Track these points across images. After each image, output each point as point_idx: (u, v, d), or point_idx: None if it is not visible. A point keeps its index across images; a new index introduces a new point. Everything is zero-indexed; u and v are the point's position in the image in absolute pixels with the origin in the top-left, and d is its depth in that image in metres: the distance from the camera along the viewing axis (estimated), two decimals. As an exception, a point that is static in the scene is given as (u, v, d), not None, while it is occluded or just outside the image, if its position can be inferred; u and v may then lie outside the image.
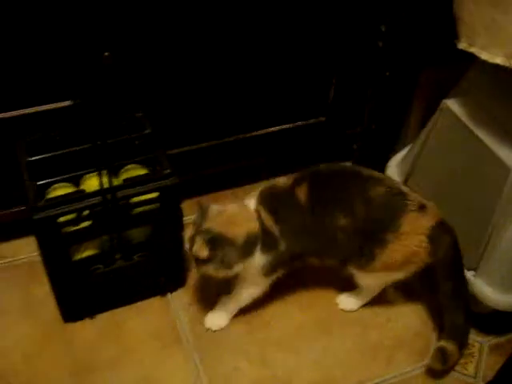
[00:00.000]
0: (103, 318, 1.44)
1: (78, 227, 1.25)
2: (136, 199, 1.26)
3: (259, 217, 1.24)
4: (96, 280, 1.35)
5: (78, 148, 1.31)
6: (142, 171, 1.36)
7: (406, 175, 1.56)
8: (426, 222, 1.25)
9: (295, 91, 1.54)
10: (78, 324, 1.41)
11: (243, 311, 1.44)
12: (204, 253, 1.19)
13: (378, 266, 1.28)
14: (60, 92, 1.32)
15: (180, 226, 1.35)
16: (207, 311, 1.44)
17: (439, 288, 1.33)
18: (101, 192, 1.22)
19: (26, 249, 1.54)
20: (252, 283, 1.34)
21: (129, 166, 1.38)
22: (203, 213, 1.24)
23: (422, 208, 1.25)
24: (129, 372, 1.35)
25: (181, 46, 1.34)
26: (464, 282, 1.32)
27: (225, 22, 1.34)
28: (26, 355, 1.36)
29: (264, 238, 1.24)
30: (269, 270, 1.29)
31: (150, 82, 1.37)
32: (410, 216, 1.24)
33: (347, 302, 1.46)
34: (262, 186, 1.31)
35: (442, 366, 1.32)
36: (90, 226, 1.26)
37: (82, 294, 1.37)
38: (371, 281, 1.37)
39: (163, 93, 1.40)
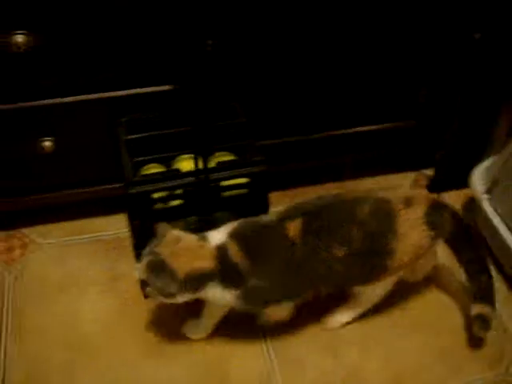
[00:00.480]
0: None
1: (169, 205, 1.31)
2: (226, 183, 1.30)
3: (223, 253, 1.20)
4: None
5: (174, 130, 1.36)
6: (230, 158, 1.40)
7: (490, 185, 1.54)
8: (418, 213, 1.25)
9: (387, 93, 1.55)
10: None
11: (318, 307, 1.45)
12: (141, 275, 1.19)
13: (389, 273, 1.28)
14: (161, 76, 1.38)
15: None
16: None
17: (459, 260, 1.34)
18: (195, 172, 1.26)
19: (116, 225, 1.61)
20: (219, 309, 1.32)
21: (218, 153, 1.42)
22: (162, 235, 1.21)
23: (408, 201, 1.25)
24: (200, 354, 1.39)
25: (282, 42, 1.38)
26: (477, 244, 1.34)
27: (328, 21, 1.38)
28: (105, 325, 1.43)
29: (225, 275, 1.20)
30: (243, 305, 1.25)
31: (249, 73, 1.41)
32: (401, 215, 1.24)
33: (335, 320, 1.43)
34: (237, 221, 1.26)
35: (485, 331, 1.33)
36: (181, 205, 1.31)
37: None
38: (380, 289, 1.36)
39: (260, 85, 1.44)
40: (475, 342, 1.38)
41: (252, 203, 1.35)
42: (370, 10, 1.38)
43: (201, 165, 1.27)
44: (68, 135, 1.42)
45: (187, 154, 1.38)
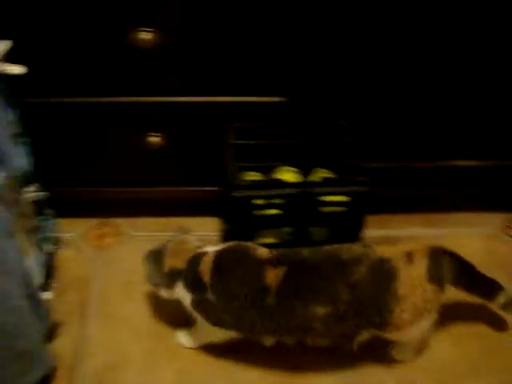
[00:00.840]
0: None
1: (267, 213, 1.33)
2: (326, 198, 1.31)
3: (196, 260, 1.24)
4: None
5: (280, 141, 1.38)
6: (329, 175, 1.42)
7: None
8: (419, 270, 1.21)
9: (493, 129, 1.53)
10: None
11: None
12: (143, 259, 1.30)
13: (390, 330, 1.24)
14: (274, 88, 1.40)
15: (358, 235, 1.39)
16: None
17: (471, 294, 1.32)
18: (298, 184, 1.28)
19: (205, 227, 1.64)
20: (201, 327, 1.33)
21: (318, 169, 1.44)
22: (182, 234, 1.32)
23: (410, 257, 1.21)
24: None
25: (400, 69, 1.39)
26: (476, 271, 1.30)
27: (453, 52, 1.38)
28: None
29: (188, 277, 1.25)
30: (198, 312, 1.27)
31: (362, 94, 1.42)
32: (402, 275, 1.19)
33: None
34: (233, 242, 1.29)
35: None
36: (278, 215, 1.33)
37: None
38: (406, 336, 1.31)
39: (371, 106, 1.45)
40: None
41: (348, 222, 1.35)
42: (490, 46, 1.37)
43: (303, 178, 1.28)
44: (176, 133, 1.46)
45: (289, 165, 1.40)
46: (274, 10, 1.27)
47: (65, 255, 1.59)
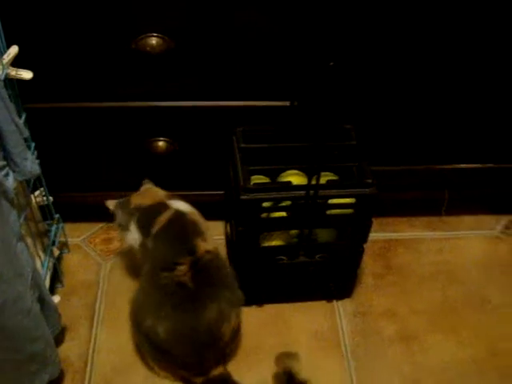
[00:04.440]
0: (270, 309, 1.52)
1: (274, 216, 1.34)
2: (333, 201, 1.33)
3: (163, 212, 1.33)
4: (276, 270, 1.43)
5: (287, 145, 1.40)
6: (335, 178, 1.43)
7: None
8: None
9: (495, 133, 1.56)
10: (245, 309, 1.46)
11: (406, 333, 1.46)
12: (112, 207, 1.40)
13: None
14: (280, 92, 1.42)
15: (365, 238, 1.41)
16: (368, 326, 1.49)
17: None
18: (305, 187, 1.30)
19: (210, 231, 1.64)
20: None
21: (323, 173, 1.45)
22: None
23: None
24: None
25: (406, 73, 1.41)
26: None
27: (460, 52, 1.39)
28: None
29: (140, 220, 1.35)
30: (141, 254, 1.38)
31: (366, 98, 1.44)
32: None
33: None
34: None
35: None
36: (285, 217, 1.35)
37: (258, 281, 1.45)
38: None
39: (375, 111, 1.47)
40: None
41: (355, 224, 1.37)
42: (493, 50, 1.39)
43: (309, 181, 1.29)
44: (183, 138, 1.47)
45: (296, 169, 1.41)
46: (278, 14, 1.29)
47: (71, 260, 1.61)
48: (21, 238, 1.21)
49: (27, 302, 1.21)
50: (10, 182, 1.16)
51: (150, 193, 1.42)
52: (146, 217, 1.35)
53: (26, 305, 1.20)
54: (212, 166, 1.53)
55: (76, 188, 1.57)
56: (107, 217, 1.44)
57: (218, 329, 1.29)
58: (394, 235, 1.71)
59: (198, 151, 1.51)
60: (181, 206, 1.36)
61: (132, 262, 1.58)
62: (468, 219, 1.76)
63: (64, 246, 1.59)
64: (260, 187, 1.31)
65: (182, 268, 1.26)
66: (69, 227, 1.62)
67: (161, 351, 1.30)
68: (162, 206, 1.35)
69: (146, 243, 1.34)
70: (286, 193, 1.31)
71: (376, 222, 1.52)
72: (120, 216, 1.39)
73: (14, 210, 1.18)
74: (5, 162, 1.15)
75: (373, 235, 1.52)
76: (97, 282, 1.56)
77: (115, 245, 1.64)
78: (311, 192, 1.30)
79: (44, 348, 1.28)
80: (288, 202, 1.32)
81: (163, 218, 1.33)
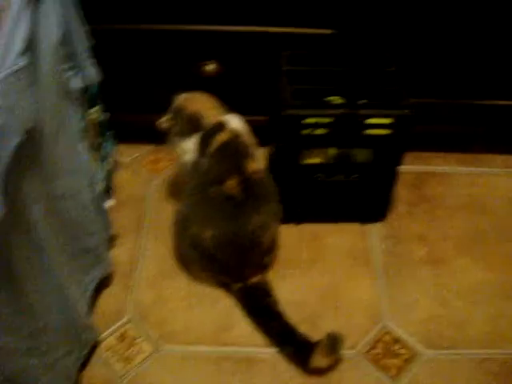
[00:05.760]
0: (306, 228, 1.61)
1: (314, 133, 1.42)
2: (372, 121, 1.40)
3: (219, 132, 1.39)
4: (314, 188, 1.52)
5: (329, 68, 1.47)
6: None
7: None
8: None
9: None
10: (284, 226, 1.56)
11: (435, 256, 1.54)
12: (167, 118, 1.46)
13: None
14: (324, 19, 1.48)
15: (400, 160, 1.47)
16: (399, 248, 1.57)
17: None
18: (346, 105, 1.37)
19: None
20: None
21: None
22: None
23: None
24: (320, 276, 1.51)
25: (442, 6, 1.45)
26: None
27: None
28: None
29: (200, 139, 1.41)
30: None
31: (407, 25, 1.49)
32: None
33: None
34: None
35: None
36: (326, 135, 1.42)
37: (296, 198, 1.54)
38: None
39: (416, 38, 1.52)
40: None
41: (391, 146, 1.43)
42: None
43: (350, 100, 1.36)
44: (231, 61, 1.55)
45: (336, 94, 1.48)
46: None
47: (122, 176, 1.71)
48: (82, 139, 1.32)
49: (85, 198, 1.32)
50: (77, 83, 1.27)
51: (201, 98, 1.47)
52: (203, 136, 1.42)
53: (84, 201, 1.32)
54: (257, 91, 1.61)
55: (129, 109, 1.67)
56: (156, 139, 1.53)
57: (259, 237, 1.38)
58: (428, 168, 1.76)
59: (246, 75, 1.58)
60: (235, 123, 1.42)
61: (177, 181, 1.69)
62: (501, 158, 1.80)
63: (115, 163, 1.69)
64: (302, 104, 1.38)
65: (232, 183, 1.35)
66: (121, 147, 1.73)
67: (206, 256, 1.40)
68: (219, 126, 1.41)
69: (199, 160, 1.42)
70: (327, 110, 1.39)
71: (411, 156, 1.60)
72: (175, 125, 1.46)
73: (78, 109, 1.28)
74: (74, 63, 1.25)
75: (407, 167, 1.61)
76: (144, 197, 1.67)
77: (162, 165, 1.75)
78: (350, 110, 1.37)
79: (97, 245, 1.40)
80: (328, 120, 1.39)
81: (219, 138, 1.39)
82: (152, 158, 1.77)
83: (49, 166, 1.13)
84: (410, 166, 1.71)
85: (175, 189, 1.68)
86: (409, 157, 1.55)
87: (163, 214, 1.62)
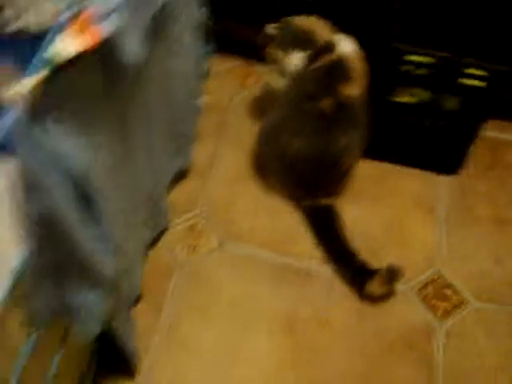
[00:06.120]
0: (380, 166, 1.65)
1: (412, 72, 1.45)
2: (468, 70, 1.41)
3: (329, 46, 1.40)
4: (399, 127, 1.56)
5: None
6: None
7: None
8: None
9: None
10: (360, 160, 1.58)
11: (501, 217, 1.57)
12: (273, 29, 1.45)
13: None
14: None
15: (487, 116, 1.50)
16: (466, 203, 1.60)
17: None
18: (448, 49, 1.39)
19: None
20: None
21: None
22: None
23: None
24: (385, 211, 1.56)
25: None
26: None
27: None
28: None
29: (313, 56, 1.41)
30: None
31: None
32: None
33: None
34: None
35: None
36: (424, 75, 1.44)
37: (381, 135, 1.57)
38: None
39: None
40: None
41: (482, 99, 1.45)
42: None
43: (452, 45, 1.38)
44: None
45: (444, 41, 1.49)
46: None
47: (211, 83, 1.77)
48: (193, 29, 1.37)
49: (190, 83, 1.39)
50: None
51: (315, 19, 1.47)
52: (312, 53, 1.43)
53: (189, 85, 1.40)
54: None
55: (233, 17, 1.70)
56: (251, 55, 1.56)
57: (341, 157, 1.43)
58: (509, 137, 1.76)
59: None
60: (346, 46, 1.42)
61: (262, 98, 1.74)
62: None
63: (208, 69, 1.75)
64: (409, 39, 1.40)
65: (327, 102, 1.39)
66: (214, 56, 1.78)
67: (288, 166, 1.46)
68: (329, 46, 1.41)
69: (300, 75, 1.45)
70: (428, 50, 1.41)
71: (493, 124, 1.60)
72: (281, 36, 1.47)
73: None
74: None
75: (489, 132, 1.62)
76: (228, 108, 1.74)
77: (251, 80, 1.80)
78: (453, 56, 1.40)
79: (187, 134, 1.46)
80: (429, 60, 1.41)
81: (327, 58, 1.41)
82: (242, 72, 1.82)
83: (169, 42, 1.19)
84: (492, 132, 1.72)
85: (259, 106, 1.72)
86: (491, 124, 1.57)
87: (244, 126, 1.68)
